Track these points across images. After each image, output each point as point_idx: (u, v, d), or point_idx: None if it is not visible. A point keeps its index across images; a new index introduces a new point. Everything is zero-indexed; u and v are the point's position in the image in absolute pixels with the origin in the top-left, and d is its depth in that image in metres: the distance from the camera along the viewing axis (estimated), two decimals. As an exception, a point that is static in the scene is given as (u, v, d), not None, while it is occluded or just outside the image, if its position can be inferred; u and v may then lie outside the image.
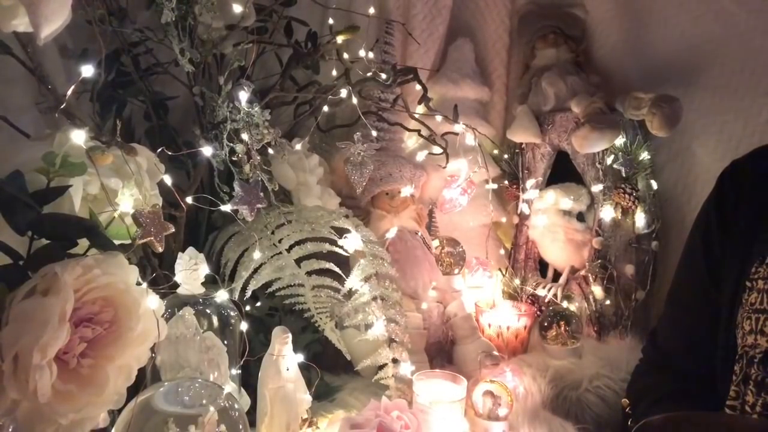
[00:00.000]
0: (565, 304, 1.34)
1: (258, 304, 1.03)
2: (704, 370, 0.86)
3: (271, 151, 0.98)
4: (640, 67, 1.43)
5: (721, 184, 0.91)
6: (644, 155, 1.33)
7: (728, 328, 0.82)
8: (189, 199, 0.88)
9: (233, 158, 0.91)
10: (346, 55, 1.15)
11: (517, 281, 1.45)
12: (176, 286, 0.83)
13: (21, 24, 0.63)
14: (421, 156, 1.30)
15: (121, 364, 0.62)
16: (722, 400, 0.80)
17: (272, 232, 1.01)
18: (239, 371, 0.86)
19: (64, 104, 0.76)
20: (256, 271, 0.96)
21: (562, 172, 1.44)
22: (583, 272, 1.35)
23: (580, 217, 1.38)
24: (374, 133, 1.16)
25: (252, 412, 0.85)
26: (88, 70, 0.72)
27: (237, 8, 1.01)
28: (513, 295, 1.43)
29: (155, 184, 0.79)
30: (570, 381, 1.12)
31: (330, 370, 1.05)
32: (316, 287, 0.97)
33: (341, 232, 1.03)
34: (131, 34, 1.03)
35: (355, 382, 1.04)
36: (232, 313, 0.86)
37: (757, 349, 0.77)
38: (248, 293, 0.95)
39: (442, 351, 1.21)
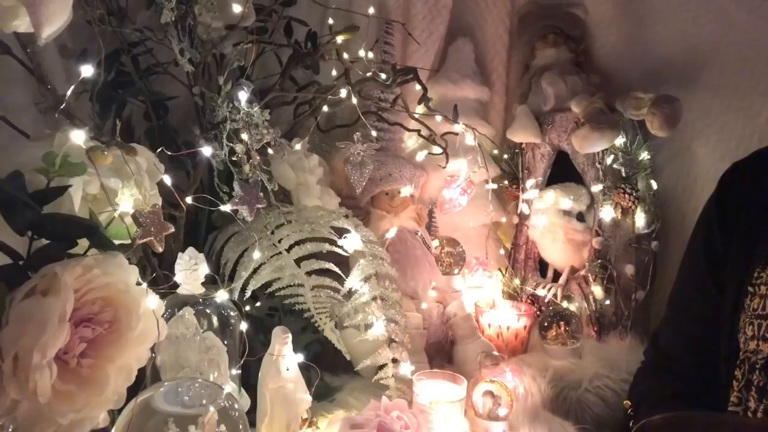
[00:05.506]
0: (565, 304, 1.34)
1: (258, 304, 1.03)
2: (706, 373, 0.86)
3: (270, 151, 0.98)
4: (640, 67, 1.43)
5: (722, 185, 0.90)
6: (644, 155, 1.33)
7: (730, 333, 0.82)
8: (189, 199, 0.88)
9: (233, 158, 0.91)
10: (345, 55, 1.15)
11: (517, 281, 1.45)
12: (176, 286, 0.83)
13: (22, 24, 0.63)
14: (421, 156, 1.30)
15: (121, 364, 0.62)
16: (724, 405, 0.80)
17: (272, 232, 1.01)
18: (239, 371, 0.86)
19: (63, 104, 0.76)
20: (255, 271, 0.96)
21: (562, 172, 1.44)
22: (583, 272, 1.35)
23: (580, 217, 1.38)
24: (374, 133, 1.16)
25: (252, 412, 0.85)
26: (87, 70, 0.72)
27: (237, 8, 1.01)
28: (513, 295, 1.43)
29: (155, 184, 0.79)
30: (570, 381, 1.12)
31: (330, 370, 1.04)
32: (315, 287, 0.97)
33: (341, 232, 1.03)
34: (131, 34, 1.03)
35: (355, 382, 1.04)
36: (232, 313, 0.86)
37: (760, 355, 0.76)
38: (248, 293, 0.95)
39: (442, 351, 1.21)
